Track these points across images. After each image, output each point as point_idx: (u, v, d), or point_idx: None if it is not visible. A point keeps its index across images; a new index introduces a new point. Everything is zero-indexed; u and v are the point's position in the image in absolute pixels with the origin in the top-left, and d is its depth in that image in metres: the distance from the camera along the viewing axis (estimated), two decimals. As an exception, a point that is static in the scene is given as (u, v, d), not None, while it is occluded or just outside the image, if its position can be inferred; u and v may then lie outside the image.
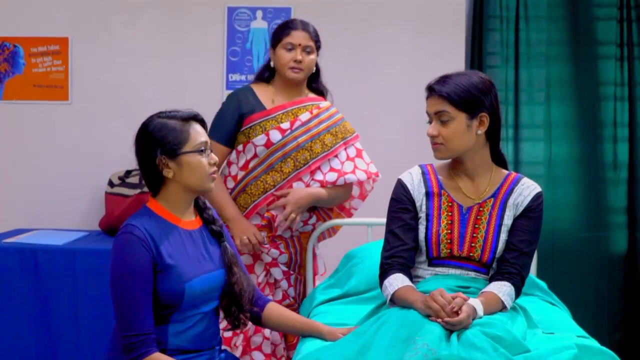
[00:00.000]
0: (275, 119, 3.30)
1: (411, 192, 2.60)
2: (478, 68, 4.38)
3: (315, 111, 3.35)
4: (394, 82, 4.41)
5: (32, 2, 4.40)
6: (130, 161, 4.16)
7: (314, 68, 3.37)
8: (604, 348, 2.32)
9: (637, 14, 4.39)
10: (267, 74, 3.39)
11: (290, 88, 3.35)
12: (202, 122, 2.52)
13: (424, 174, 2.63)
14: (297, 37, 3.29)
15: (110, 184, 4.22)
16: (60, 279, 3.78)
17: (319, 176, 3.33)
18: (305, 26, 3.33)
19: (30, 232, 4.14)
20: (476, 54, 4.43)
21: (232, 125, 3.32)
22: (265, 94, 3.36)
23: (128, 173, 4.23)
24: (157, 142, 2.41)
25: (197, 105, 4.15)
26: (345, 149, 3.40)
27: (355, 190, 3.48)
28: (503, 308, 2.42)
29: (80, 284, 3.78)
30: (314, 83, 3.45)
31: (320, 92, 3.47)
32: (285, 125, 3.29)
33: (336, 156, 3.37)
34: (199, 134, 2.46)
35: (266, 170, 3.29)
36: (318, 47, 3.37)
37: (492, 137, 2.56)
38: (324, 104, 3.41)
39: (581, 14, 4.42)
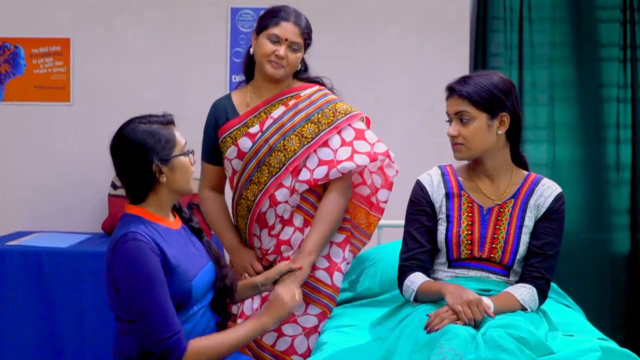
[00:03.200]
0: (246, 124, 2.89)
1: (430, 193, 2.59)
2: (482, 69, 4.39)
3: (292, 102, 2.88)
4: (398, 84, 4.41)
5: (33, 3, 4.36)
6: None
7: (300, 66, 2.93)
8: (626, 350, 2.33)
9: (640, 16, 4.42)
10: (246, 67, 2.99)
11: (269, 85, 2.91)
12: (174, 125, 2.49)
13: (443, 174, 2.62)
14: (286, 30, 2.83)
15: (113, 186, 4.19)
16: (65, 281, 3.76)
17: (305, 175, 2.83)
18: (298, 19, 2.87)
19: (33, 235, 4.11)
20: (480, 56, 4.43)
21: (213, 141, 2.98)
22: (241, 97, 2.97)
23: (131, 175, 4.19)
24: (150, 148, 2.37)
25: (200, 106, 4.17)
26: (339, 132, 2.86)
27: (377, 180, 2.95)
28: (523, 309, 2.42)
29: (85, 287, 3.76)
30: (301, 75, 2.98)
31: (311, 80, 2.98)
32: (255, 129, 2.87)
33: (327, 144, 2.85)
34: (181, 137, 2.47)
35: (245, 184, 2.89)
36: (307, 45, 2.91)
37: (513, 137, 2.55)
38: (307, 91, 2.91)
39: (584, 16, 4.43)
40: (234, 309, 2.92)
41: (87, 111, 4.39)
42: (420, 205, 2.59)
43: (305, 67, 3.00)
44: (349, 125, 2.87)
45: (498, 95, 2.47)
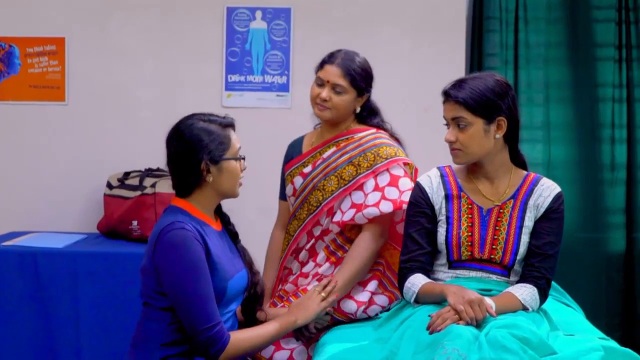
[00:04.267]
0: (303, 164, 2.97)
1: (430, 195, 2.59)
2: (477, 70, 4.39)
3: (343, 144, 2.91)
4: (394, 84, 4.40)
5: (28, 2, 4.34)
6: (128, 163, 4.22)
7: (357, 109, 2.93)
8: (627, 350, 2.34)
9: (635, 16, 4.42)
10: None
11: (328, 127, 2.96)
12: (234, 128, 2.54)
13: (442, 176, 2.62)
14: (328, 72, 2.87)
15: (109, 186, 4.17)
16: (61, 282, 3.73)
17: (337, 217, 2.86)
18: (343, 62, 2.88)
19: (28, 235, 4.09)
20: (475, 56, 4.43)
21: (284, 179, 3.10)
22: (310, 138, 3.06)
23: (127, 175, 4.18)
24: (204, 146, 2.41)
25: (196, 106, 4.13)
26: (375, 177, 2.84)
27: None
28: (524, 309, 2.42)
29: (81, 287, 3.74)
30: (366, 120, 2.97)
31: (373, 125, 2.97)
32: (308, 168, 2.95)
33: (362, 188, 2.85)
34: (237, 141, 2.50)
35: (290, 220, 2.98)
36: (359, 88, 2.88)
37: (511, 138, 2.56)
38: (361, 134, 2.91)
39: (580, 16, 4.44)
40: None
41: (82, 111, 4.37)
42: (420, 207, 2.59)
43: (372, 112, 2.98)
44: (387, 170, 2.84)
45: (494, 100, 2.46)
